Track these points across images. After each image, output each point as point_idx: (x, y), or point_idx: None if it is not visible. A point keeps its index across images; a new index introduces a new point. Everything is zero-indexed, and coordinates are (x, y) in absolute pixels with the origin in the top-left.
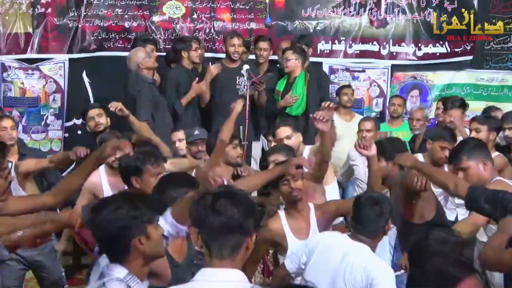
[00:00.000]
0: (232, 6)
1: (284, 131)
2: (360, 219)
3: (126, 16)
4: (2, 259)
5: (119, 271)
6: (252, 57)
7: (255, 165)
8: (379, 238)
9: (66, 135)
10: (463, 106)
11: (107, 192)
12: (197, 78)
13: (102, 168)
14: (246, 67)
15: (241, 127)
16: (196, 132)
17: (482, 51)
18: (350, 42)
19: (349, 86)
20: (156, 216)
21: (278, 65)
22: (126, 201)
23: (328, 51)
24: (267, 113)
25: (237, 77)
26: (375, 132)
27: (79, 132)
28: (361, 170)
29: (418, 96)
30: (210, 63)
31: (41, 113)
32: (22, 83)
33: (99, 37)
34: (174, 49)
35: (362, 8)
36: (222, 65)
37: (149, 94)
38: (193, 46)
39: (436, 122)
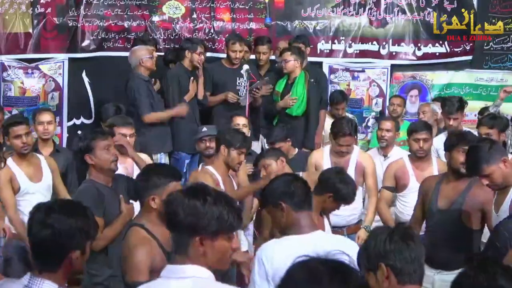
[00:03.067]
0: (232, 6)
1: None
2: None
3: (125, 16)
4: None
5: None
6: (253, 56)
7: None
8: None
9: (67, 135)
10: (462, 106)
11: None
12: (192, 78)
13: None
14: (245, 67)
15: None
16: (204, 129)
17: (481, 51)
18: (350, 42)
19: (341, 102)
20: (94, 235)
21: (276, 65)
22: (80, 211)
23: (328, 51)
24: (266, 114)
25: (237, 78)
26: (394, 134)
27: (79, 132)
28: None
29: (417, 96)
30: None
31: None
32: (22, 83)
33: (99, 37)
34: (180, 47)
35: (362, 8)
36: (222, 66)
37: (146, 90)
38: (198, 49)
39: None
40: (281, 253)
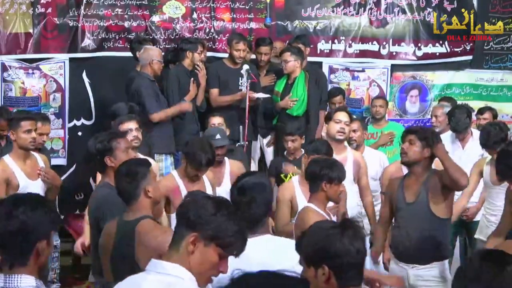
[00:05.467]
0: (232, 6)
1: (346, 116)
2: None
3: (126, 16)
4: None
5: (28, 280)
6: (253, 56)
7: (254, 165)
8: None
9: (68, 136)
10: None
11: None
12: (192, 79)
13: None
14: (245, 67)
15: (240, 127)
16: (218, 136)
17: (481, 51)
18: (350, 42)
19: (337, 95)
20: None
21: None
22: (41, 203)
23: (328, 51)
24: (265, 113)
25: (240, 77)
26: (362, 133)
27: (80, 133)
28: None
29: (417, 96)
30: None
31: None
32: (23, 83)
33: (99, 37)
34: (180, 48)
35: (362, 8)
36: (224, 65)
37: (151, 89)
38: (198, 48)
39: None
40: None
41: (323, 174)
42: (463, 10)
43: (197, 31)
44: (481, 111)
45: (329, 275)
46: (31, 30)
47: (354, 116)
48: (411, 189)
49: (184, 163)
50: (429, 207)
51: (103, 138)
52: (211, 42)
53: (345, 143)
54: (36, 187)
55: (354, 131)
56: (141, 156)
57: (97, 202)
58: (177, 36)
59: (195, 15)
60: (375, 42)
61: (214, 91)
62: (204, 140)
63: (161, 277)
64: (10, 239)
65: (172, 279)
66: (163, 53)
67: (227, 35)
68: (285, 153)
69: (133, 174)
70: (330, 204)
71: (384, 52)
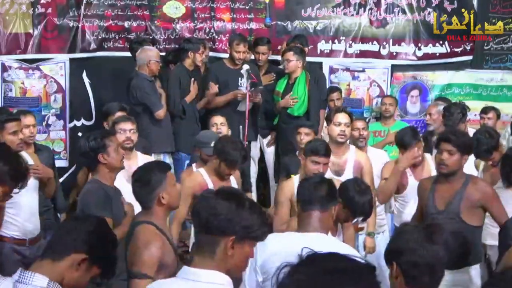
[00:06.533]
0: (232, 6)
1: (346, 117)
2: (302, 194)
3: (125, 16)
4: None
5: (40, 280)
6: (253, 56)
7: (254, 165)
8: (328, 213)
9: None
10: (464, 117)
11: None
12: (193, 79)
13: (203, 171)
14: (246, 67)
15: (240, 127)
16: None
17: (481, 51)
18: (350, 42)
19: (334, 91)
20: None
21: (280, 66)
22: (95, 222)
23: (328, 51)
24: (266, 114)
25: (239, 78)
26: (368, 132)
27: (80, 134)
28: None
29: (418, 96)
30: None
31: (42, 113)
32: (23, 83)
33: (99, 37)
34: (182, 48)
35: (362, 8)
36: (224, 66)
37: (148, 88)
38: (200, 49)
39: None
40: (273, 246)
41: None
42: (463, 10)
43: (197, 31)
44: (485, 110)
45: (397, 273)
46: (31, 30)
47: (354, 117)
48: (443, 196)
49: (217, 162)
50: (460, 216)
51: (95, 136)
52: (211, 42)
53: (348, 142)
54: (27, 189)
55: (363, 128)
56: (140, 155)
57: (80, 195)
58: (177, 36)
59: (195, 15)
60: (375, 42)
61: None
62: (234, 138)
63: (196, 285)
64: (59, 232)
65: (209, 286)
66: (163, 53)
67: (227, 35)
68: (296, 152)
69: (145, 180)
70: None
71: (384, 52)
